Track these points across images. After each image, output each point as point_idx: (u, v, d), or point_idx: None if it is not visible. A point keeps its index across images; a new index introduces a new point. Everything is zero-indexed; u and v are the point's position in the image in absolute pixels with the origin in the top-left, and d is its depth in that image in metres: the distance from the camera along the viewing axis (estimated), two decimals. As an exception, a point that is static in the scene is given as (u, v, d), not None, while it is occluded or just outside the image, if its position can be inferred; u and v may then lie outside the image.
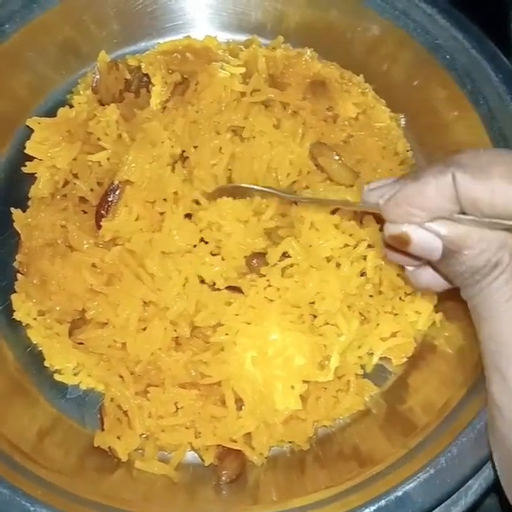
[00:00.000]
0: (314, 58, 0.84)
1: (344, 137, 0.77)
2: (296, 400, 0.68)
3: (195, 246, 0.72)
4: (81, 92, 0.85)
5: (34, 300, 0.74)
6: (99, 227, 0.72)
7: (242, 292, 0.70)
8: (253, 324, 0.68)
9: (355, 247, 0.74)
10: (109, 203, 0.72)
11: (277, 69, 0.81)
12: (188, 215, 0.73)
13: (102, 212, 0.72)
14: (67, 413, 0.73)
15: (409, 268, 0.58)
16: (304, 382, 0.69)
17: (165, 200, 0.73)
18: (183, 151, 0.75)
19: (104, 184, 0.75)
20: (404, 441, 0.65)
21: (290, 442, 0.71)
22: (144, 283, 0.69)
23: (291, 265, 0.71)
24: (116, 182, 0.73)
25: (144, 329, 0.70)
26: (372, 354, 0.75)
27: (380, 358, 0.76)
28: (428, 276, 0.57)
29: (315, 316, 0.71)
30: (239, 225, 0.72)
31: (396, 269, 0.74)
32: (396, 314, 0.75)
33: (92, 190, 0.75)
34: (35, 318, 0.75)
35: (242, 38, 0.89)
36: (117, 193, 0.72)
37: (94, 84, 0.83)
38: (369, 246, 0.73)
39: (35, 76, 0.86)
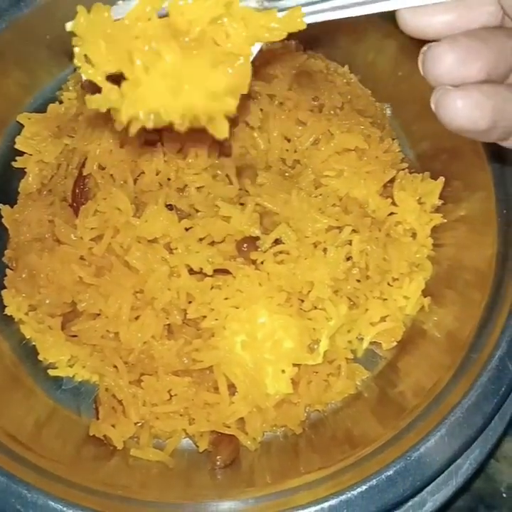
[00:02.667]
0: (300, 50, 0.85)
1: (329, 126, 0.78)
2: (287, 384, 0.69)
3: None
4: (70, 88, 0.86)
5: (24, 295, 0.75)
6: (76, 213, 0.73)
7: (230, 273, 0.71)
8: (241, 308, 0.69)
9: (340, 232, 0.75)
10: (82, 189, 0.73)
11: (263, 60, 0.82)
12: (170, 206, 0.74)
13: (79, 200, 0.73)
14: (63, 404, 0.74)
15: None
16: (294, 365, 0.70)
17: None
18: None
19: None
20: (395, 422, 0.66)
21: (283, 427, 0.72)
22: (133, 272, 0.70)
23: (281, 252, 0.72)
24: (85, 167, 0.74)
25: (137, 318, 0.71)
26: (362, 339, 0.76)
27: (370, 343, 0.77)
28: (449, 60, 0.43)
29: (302, 301, 0.72)
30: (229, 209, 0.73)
31: (381, 254, 0.75)
32: (385, 299, 0.77)
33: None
34: (26, 313, 0.76)
35: (227, 31, 0.90)
36: (87, 180, 0.74)
37: (83, 81, 0.84)
38: (354, 231, 0.74)
39: (25, 73, 0.86)
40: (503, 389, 0.63)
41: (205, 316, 0.71)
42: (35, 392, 0.75)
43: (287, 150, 0.77)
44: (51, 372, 0.75)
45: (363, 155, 0.77)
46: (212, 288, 0.70)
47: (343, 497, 0.59)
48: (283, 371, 0.70)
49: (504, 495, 0.85)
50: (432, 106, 0.46)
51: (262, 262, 0.71)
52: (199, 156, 0.74)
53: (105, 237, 0.71)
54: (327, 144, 0.76)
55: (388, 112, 0.87)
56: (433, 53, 0.44)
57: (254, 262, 0.71)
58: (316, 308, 0.72)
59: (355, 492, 0.59)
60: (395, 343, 0.77)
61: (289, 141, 0.78)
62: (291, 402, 0.71)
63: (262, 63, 0.82)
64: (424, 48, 0.46)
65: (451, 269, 0.78)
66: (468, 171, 0.76)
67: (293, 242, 0.72)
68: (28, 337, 0.77)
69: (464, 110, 0.44)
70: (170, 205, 0.73)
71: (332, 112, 0.78)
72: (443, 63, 0.44)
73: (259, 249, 0.72)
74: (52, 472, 0.64)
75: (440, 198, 0.80)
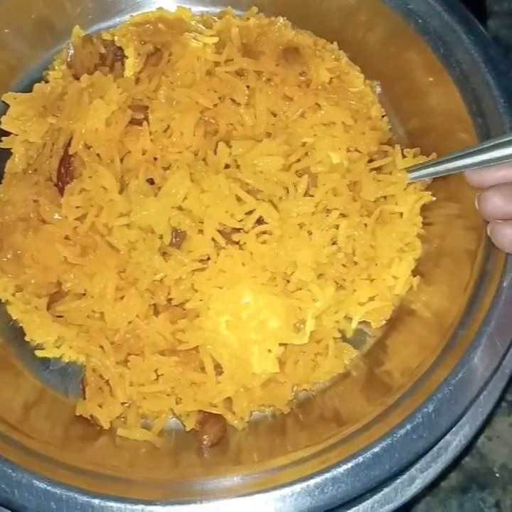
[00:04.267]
0: (287, 26, 0.84)
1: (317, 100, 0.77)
2: (274, 363, 0.69)
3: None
4: (56, 68, 0.85)
5: (10, 275, 0.74)
6: (62, 193, 0.73)
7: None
8: (225, 288, 0.69)
9: (327, 215, 0.74)
10: (67, 168, 0.73)
11: (251, 38, 0.81)
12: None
13: (64, 179, 0.73)
14: (51, 385, 0.74)
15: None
16: (281, 345, 0.70)
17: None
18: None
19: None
20: (382, 400, 0.66)
21: (271, 406, 0.72)
22: (116, 252, 0.70)
23: (264, 232, 0.71)
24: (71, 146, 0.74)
25: (122, 298, 0.70)
26: (350, 319, 0.76)
27: (359, 322, 0.76)
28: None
29: (288, 281, 0.72)
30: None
31: (369, 240, 0.75)
32: (373, 279, 0.76)
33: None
34: (13, 294, 0.76)
35: (216, 10, 0.89)
36: (72, 160, 0.73)
37: (68, 59, 0.83)
38: (342, 215, 0.74)
39: (11, 54, 0.86)
40: (491, 365, 0.63)
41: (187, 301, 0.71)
42: (23, 373, 0.74)
43: (273, 125, 0.77)
44: (38, 353, 0.75)
45: (349, 129, 0.76)
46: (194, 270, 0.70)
47: (328, 474, 0.59)
48: (269, 351, 0.69)
49: (497, 474, 0.85)
50: (488, 232, 0.67)
51: (244, 243, 0.70)
52: (184, 135, 0.74)
53: (89, 216, 0.71)
54: (314, 115, 0.76)
55: (378, 89, 0.86)
56: (485, 196, 0.66)
57: (237, 242, 0.71)
58: (300, 289, 0.72)
59: (341, 469, 0.59)
60: (383, 322, 0.77)
61: (275, 115, 0.77)
62: (278, 381, 0.71)
63: (250, 40, 0.82)
64: (478, 194, 0.67)
65: (440, 248, 0.77)
66: (458, 147, 0.75)
67: (275, 221, 0.71)
68: (14, 318, 0.76)
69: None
70: (151, 179, 0.72)
71: (320, 87, 0.78)
72: (491, 202, 0.65)
73: (241, 230, 0.71)
74: (40, 452, 0.64)
75: (430, 175, 0.79)
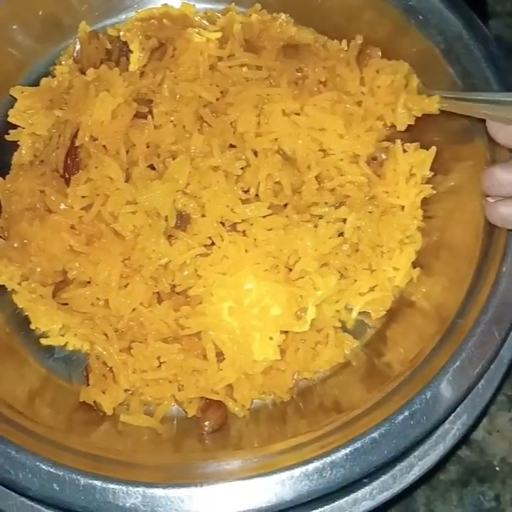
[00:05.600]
0: (289, 23, 0.86)
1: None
2: (274, 351, 0.70)
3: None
4: (63, 63, 0.87)
5: (16, 264, 0.75)
6: (68, 183, 0.74)
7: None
8: (228, 274, 0.70)
9: (336, 208, 0.76)
10: (74, 160, 0.74)
11: (253, 34, 0.83)
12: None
13: (70, 170, 0.74)
14: (56, 372, 0.76)
15: (491, 200, 0.66)
16: (282, 333, 0.71)
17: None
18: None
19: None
20: (381, 388, 0.67)
21: (271, 394, 0.73)
22: (121, 240, 0.71)
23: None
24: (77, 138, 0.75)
25: (126, 286, 0.71)
26: (351, 309, 0.77)
27: (359, 313, 0.77)
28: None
29: (290, 270, 0.73)
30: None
31: (375, 229, 0.76)
32: (373, 270, 0.77)
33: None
34: (19, 283, 0.77)
35: (219, 7, 0.90)
36: (79, 151, 0.74)
37: (75, 54, 0.85)
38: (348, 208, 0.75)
39: (19, 49, 0.88)
40: (488, 354, 0.64)
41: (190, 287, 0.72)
42: (28, 360, 0.76)
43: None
44: (43, 342, 0.76)
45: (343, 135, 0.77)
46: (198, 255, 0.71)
47: (327, 459, 0.60)
48: (270, 338, 0.70)
49: (497, 468, 0.85)
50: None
51: (251, 226, 0.72)
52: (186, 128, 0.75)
53: (95, 205, 0.72)
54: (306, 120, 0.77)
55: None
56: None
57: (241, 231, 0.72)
58: (302, 277, 0.73)
59: (339, 454, 0.60)
60: (383, 313, 0.78)
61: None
62: (279, 369, 0.72)
63: (252, 36, 0.83)
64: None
65: (440, 240, 0.78)
66: (457, 140, 0.76)
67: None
68: (20, 306, 0.77)
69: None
70: (152, 164, 0.74)
71: (315, 89, 0.79)
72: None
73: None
74: (44, 436, 0.65)
75: (430, 169, 0.80)
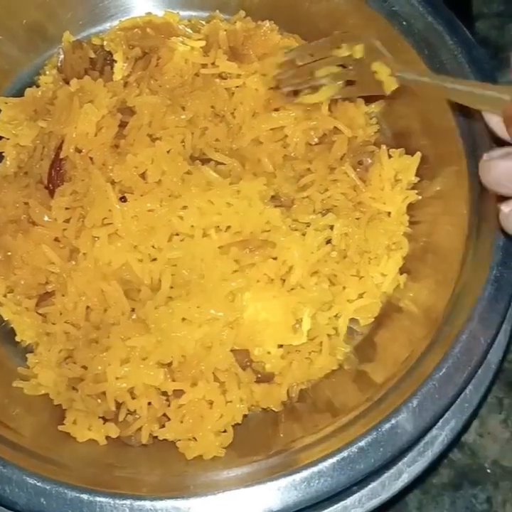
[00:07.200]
0: (274, 30, 0.85)
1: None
2: (273, 365, 0.70)
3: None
4: (47, 73, 0.87)
5: (1, 276, 0.75)
6: (52, 195, 0.74)
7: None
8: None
9: (324, 215, 0.76)
10: (58, 171, 0.74)
11: (238, 41, 0.82)
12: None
13: (55, 181, 0.74)
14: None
15: (506, 210, 0.60)
16: (279, 346, 0.71)
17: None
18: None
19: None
20: (368, 396, 0.67)
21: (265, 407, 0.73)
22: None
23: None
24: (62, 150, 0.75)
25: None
26: (340, 317, 0.76)
27: (348, 320, 0.77)
28: None
29: (284, 280, 0.73)
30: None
31: (362, 235, 0.76)
32: (361, 277, 0.77)
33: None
34: (5, 295, 0.76)
35: (204, 14, 0.90)
36: (63, 163, 0.74)
37: (59, 64, 0.85)
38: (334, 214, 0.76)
39: (3, 58, 0.87)
40: (474, 360, 0.64)
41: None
42: (14, 373, 0.75)
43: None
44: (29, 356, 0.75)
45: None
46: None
47: (314, 468, 0.60)
48: (268, 353, 0.70)
49: (488, 471, 0.85)
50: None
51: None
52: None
53: (72, 220, 0.72)
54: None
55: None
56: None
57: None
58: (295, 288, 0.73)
59: (326, 463, 0.60)
60: (372, 320, 0.77)
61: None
62: (275, 382, 0.72)
63: (237, 44, 0.83)
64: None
65: (426, 246, 0.78)
66: (441, 146, 0.76)
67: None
68: (6, 319, 0.77)
69: None
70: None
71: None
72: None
73: None
74: (31, 449, 0.64)
75: (416, 175, 0.80)
